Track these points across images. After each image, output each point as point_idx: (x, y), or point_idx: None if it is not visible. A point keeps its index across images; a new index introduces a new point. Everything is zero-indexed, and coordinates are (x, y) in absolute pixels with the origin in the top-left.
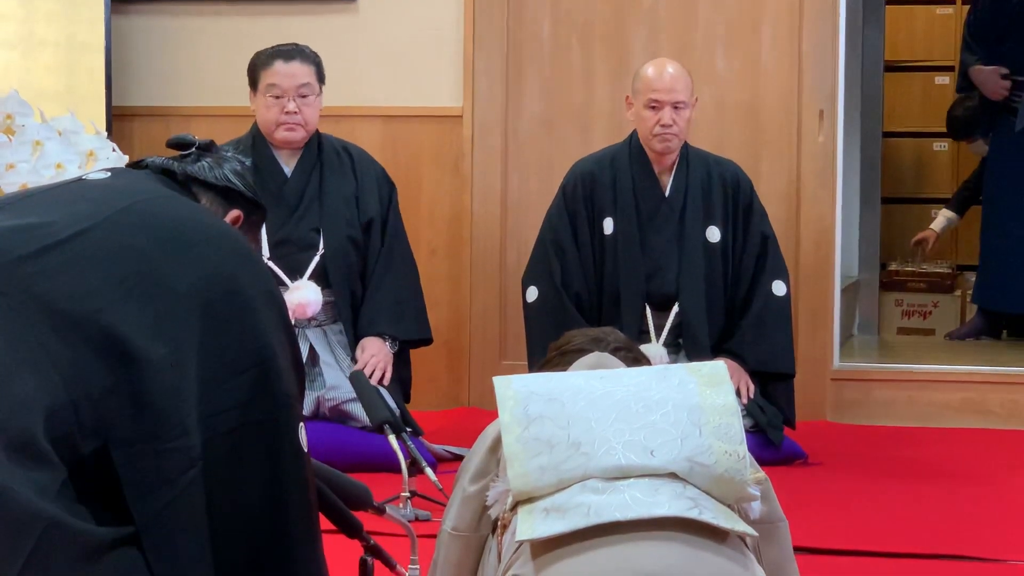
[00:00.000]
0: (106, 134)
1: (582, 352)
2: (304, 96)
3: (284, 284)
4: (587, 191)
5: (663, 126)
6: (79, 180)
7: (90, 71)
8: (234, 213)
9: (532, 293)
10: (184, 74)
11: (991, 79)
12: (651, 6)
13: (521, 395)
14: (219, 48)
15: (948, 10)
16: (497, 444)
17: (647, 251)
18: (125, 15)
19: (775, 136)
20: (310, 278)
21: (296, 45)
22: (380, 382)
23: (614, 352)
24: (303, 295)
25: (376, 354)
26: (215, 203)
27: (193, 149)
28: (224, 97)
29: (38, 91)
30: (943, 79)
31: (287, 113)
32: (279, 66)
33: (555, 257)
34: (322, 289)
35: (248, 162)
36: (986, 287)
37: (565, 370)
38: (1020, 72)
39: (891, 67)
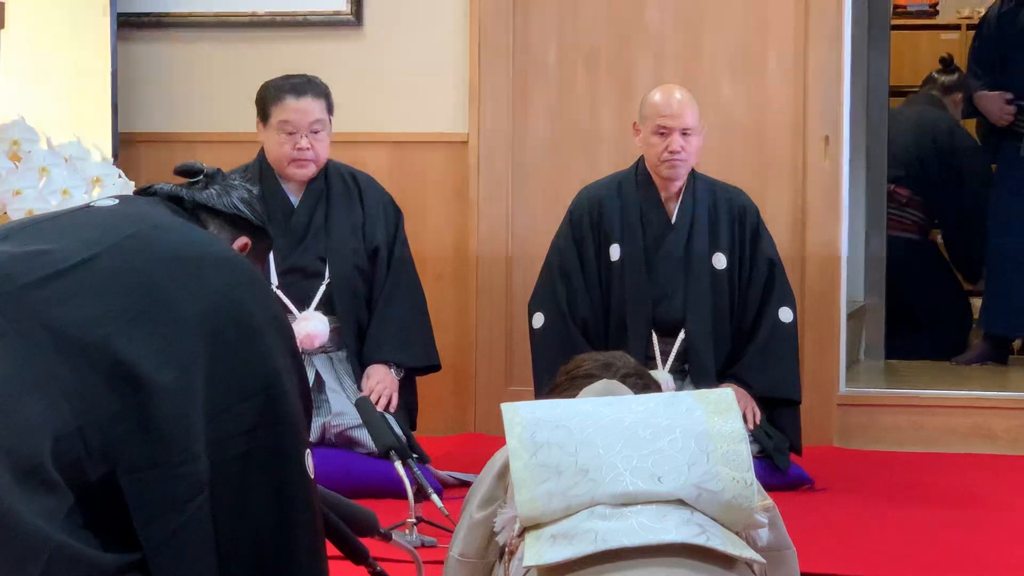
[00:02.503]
0: (112, 160)
1: (591, 378)
2: (316, 132)
3: (292, 313)
4: (594, 218)
5: (671, 152)
6: (87, 207)
7: (96, 97)
8: (241, 240)
9: (538, 319)
10: (190, 100)
11: (996, 104)
12: (657, 32)
13: (529, 422)
14: (225, 74)
15: (953, 36)
16: (505, 470)
17: (653, 277)
18: (131, 41)
19: (781, 161)
20: (317, 307)
21: (306, 78)
22: (386, 409)
23: (624, 379)
24: (311, 326)
25: (382, 381)
26: (222, 230)
27: (201, 176)
28: (230, 123)
29: (44, 117)
30: None
31: (299, 149)
32: (290, 102)
33: (561, 283)
34: (328, 317)
35: (256, 190)
36: (992, 312)
37: (574, 396)
38: None
39: (896, 92)
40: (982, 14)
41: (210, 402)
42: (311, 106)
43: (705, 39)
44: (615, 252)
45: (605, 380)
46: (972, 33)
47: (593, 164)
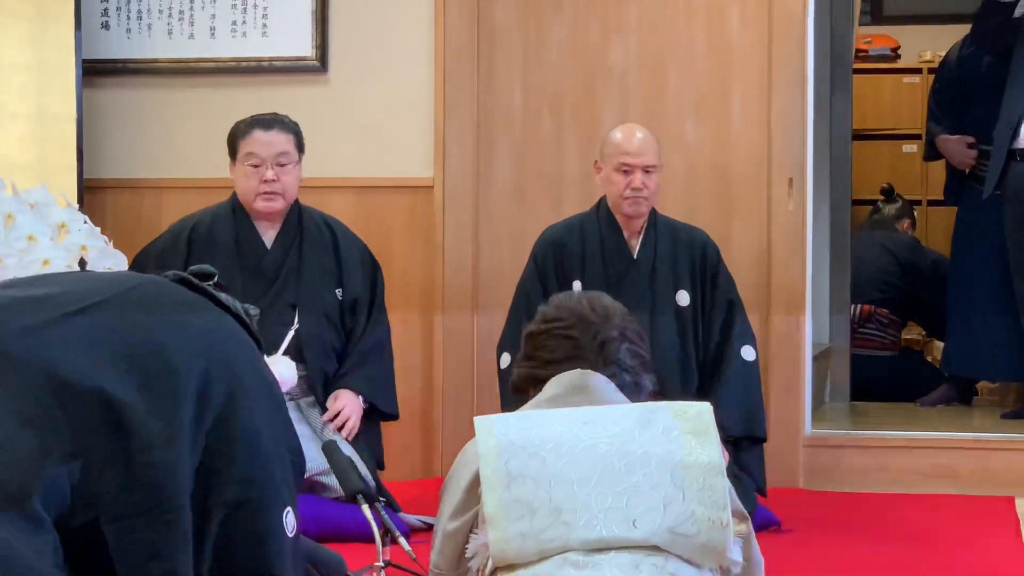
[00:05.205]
0: (77, 206)
1: (557, 364)
2: (283, 165)
3: None
4: (557, 258)
5: (634, 189)
6: (86, 271)
7: (62, 143)
8: None
9: (506, 359)
10: (156, 146)
11: (957, 148)
12: (621, 75)
13: (503, 447)
14: (191, 120)
15: (914, 79)
16: (475, 483)
17: None
18: (97, 87)
19: (745, 204)
20: (284, 353)
21: (275, 114)
22: (351, 439)
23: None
24: (279, 371)
25: (348, 404)
26: None
27: (214, 280)
28: (197, 169)
29: (9, 163)
30: (910, 147)
31: (265, 182)
32: (258, 135)
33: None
34: (296, 364)
35: (256, 312)
36: (956, 354)
37: (544, 384)
38: (986, 141)
39: (859, 135)
40: (943, 57)
41: (196, 456)
42: (277, 138)
43: (669, 82)
44: (577, 288)
45: (578, 372)
46: (933, 77)
47: (558, 207)
